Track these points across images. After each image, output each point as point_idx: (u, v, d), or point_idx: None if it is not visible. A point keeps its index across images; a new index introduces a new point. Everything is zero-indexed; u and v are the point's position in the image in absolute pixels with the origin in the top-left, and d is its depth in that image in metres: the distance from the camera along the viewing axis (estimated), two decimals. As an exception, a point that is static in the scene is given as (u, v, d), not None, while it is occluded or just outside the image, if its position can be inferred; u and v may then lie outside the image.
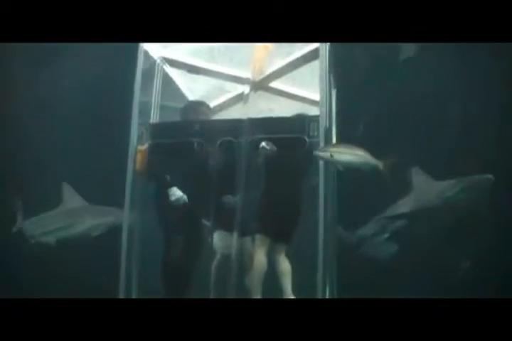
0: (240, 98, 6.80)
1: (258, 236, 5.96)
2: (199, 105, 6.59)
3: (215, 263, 6.06)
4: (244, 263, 6.00)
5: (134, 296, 5.95)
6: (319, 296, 5.58)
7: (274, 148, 5.96)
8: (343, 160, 5.58)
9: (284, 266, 5.89)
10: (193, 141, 6.12)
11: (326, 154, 5.62)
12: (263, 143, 5.94)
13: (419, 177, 6.55)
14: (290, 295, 5.77)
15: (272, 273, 5.85)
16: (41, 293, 5.56)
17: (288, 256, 5.89)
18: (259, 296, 5.77)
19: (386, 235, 6.65)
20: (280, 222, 5.99)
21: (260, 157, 6.07)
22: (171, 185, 5.90)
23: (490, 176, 6.30)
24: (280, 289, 5.80)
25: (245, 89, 6.67)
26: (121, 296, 5.85)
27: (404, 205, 6.69)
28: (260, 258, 5.86)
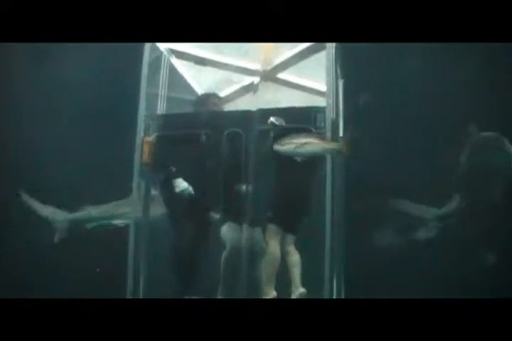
0: (247, 89, 6.81)
1: (270, 227, 5.98)
2: (210, 97, 6.58)
3: (225, 256, 6.03)
4: (256, 254, 6.01)
5: (141, 296, 5.96)
6: (326, 291, 5.57)
7: (283, 123, 5.94)
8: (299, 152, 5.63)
9: (295, 257, 5.90)
10: (199, 132, 6.12)
11: (287, 148, 5.66)
12: (272, 119, 5.90)
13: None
14: (299, 286, 5.77)
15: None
16: (44, 293, 5.57)
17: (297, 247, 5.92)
18: (272, 287, 5.78)
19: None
20: (290, 212, 6.02)
21: (268, 144, 6.08)
22: (177, 177, 5.90)
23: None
24: (290, 280, 5.81)
25: (252, 80, 6.66)
26: (129, 296, 5.88)
27: None
28: (274, 248, 5.88)
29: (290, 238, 5.97)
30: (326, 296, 5.58)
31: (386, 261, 5.85)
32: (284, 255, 5.91)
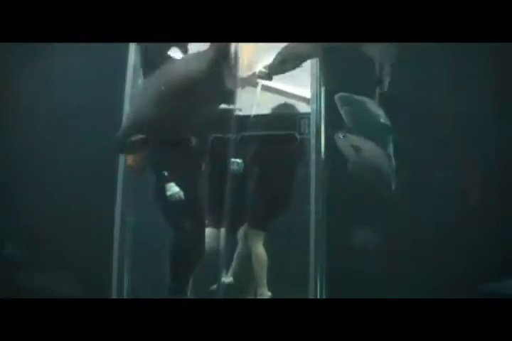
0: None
1: (252, 230, 6.06)
2: None
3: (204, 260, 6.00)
4: (239, 257, 6.12)
5: (125, 295, 5.96)
6: (311, 290, 5.69)
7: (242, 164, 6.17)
8: None
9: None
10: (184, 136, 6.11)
11: None
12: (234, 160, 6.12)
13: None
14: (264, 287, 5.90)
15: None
16: (26, 293, 5.48)
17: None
18: (266, 288, 5.88)
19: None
20: (268, 214, 6.13)
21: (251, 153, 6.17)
22: (169, 181, 5.86)
23: None
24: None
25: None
26: (114, 296, 5.87)
27: None
28: (259, 249, 5.97)
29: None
30: (311, 296, 5.70)
31: (372, 259, 5.92)
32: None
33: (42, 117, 6.31)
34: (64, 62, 6.25)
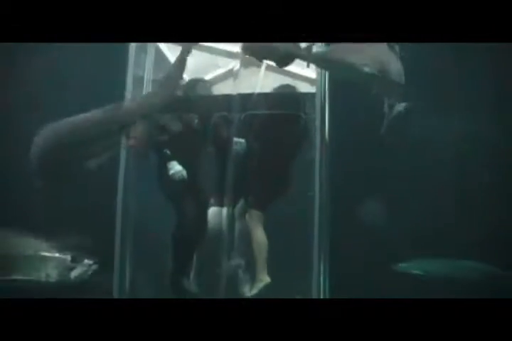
0: (232, 73, 6.76)
1: (254, 212, 6.05)
2: (199, 82, 6.55)
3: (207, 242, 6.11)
4: (241, 240, 6.14)
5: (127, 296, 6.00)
6: (314, 286, 5.77)
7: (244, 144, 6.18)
8: None
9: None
10: (187, 116, 6.14)
11: None
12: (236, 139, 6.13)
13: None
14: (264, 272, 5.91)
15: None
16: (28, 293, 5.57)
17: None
18: (266, 273, 5.89)
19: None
20: (270, 197, 6.12)
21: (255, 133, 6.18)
22: (171, 159, 5.92)
23: None
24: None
25: (237, 64, 6.59)
26: (115, 296, 5.94)
27: None
28: (260, 234, 5.97)
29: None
30: (314, 294, 5.77)
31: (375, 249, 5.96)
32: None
33: (42, 116, 6.31)
34: (64, 63, 6.20)
